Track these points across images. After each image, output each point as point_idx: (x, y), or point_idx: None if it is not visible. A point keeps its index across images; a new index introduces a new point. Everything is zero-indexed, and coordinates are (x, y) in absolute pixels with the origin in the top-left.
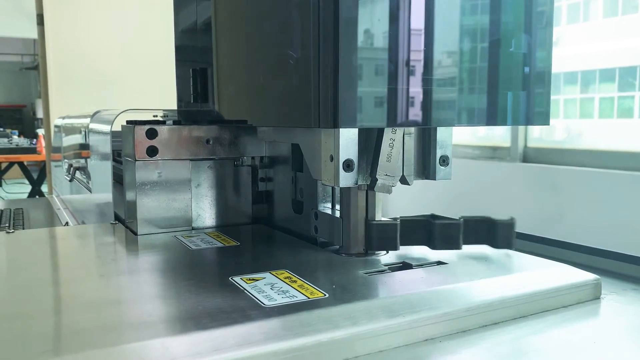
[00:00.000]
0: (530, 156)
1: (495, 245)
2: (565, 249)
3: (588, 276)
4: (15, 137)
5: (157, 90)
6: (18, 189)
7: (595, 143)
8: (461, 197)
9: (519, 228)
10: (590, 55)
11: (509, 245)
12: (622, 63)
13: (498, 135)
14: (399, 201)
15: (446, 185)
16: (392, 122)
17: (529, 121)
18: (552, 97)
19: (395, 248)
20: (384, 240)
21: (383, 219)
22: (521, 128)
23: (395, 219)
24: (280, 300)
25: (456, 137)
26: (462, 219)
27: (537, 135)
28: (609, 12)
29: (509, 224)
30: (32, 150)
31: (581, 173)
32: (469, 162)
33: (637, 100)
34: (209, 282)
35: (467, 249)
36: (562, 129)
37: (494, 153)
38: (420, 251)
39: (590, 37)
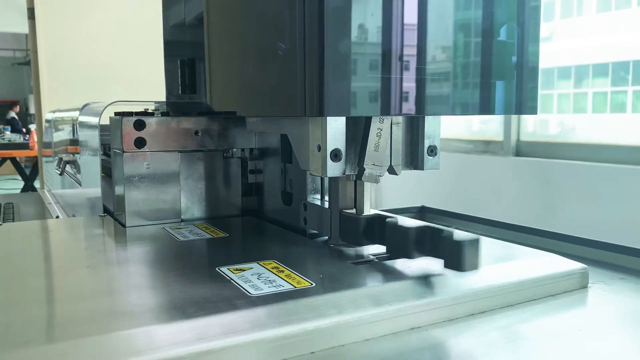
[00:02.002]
0: (523, 150)
1: (445, 262)
2: (556, 240)
3: (575, 265)
4: (8, 132)
5: (150, 83)
6: (11, 184)
7: (589, 137)
8: (454, 191)
9: (512, 220)
10: (583, 50)
11: (459, 267)
12: (615, 58)
13: (492, 129)
14: (392, 194)
15: (439, 178)
16: (379, 111)
17: (518, 110)
18: (546, 92)
19: (359, 244)
20: (347, 234)
21: (373, 211)
22: (514, 122)
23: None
24: (266, 289)
25: (450, 131)
26: (414, 228)
27: (530, 130)
28: (602, 6)
29: (465, 243)
30: (24, 146)
31: (573, 166)
32: (462, 156)
33: (630, 95)
34: (196, 272)
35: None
36: (555, 124)
37: (487, 147)
38: None
39: (583, 31)
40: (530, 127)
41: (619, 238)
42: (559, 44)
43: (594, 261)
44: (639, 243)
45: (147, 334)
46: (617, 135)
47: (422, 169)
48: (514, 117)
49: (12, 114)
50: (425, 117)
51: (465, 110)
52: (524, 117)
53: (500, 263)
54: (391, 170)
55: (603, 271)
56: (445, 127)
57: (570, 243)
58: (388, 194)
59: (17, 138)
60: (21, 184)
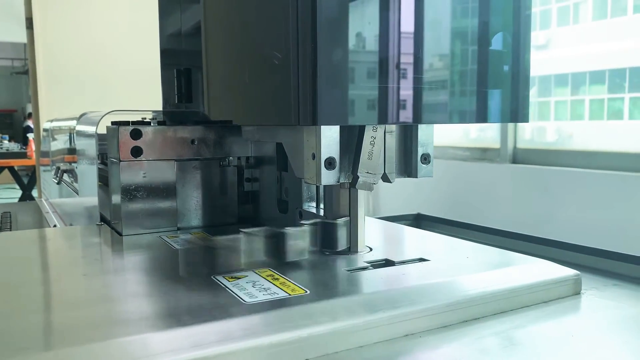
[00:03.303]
0: (519, 157)
1: None
2: (550, 246)
3: (568, 272)
4: (6, 141)
5: (148, 92)
6: (8, 194)
7: (586, 144)
8: (451, 198)
9: (509, 227)
10: (580, 58)
11: None
12: (612, 65)
13: (489, 137)
14: (389, 201)
15: (436, 186)
16: (372, 119)
17: (512, 118)
18: (543, 99)
19: None
20: None
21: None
22: (511, 130)
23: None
24: (261, 297)
25: (446, 138)
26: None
27: (528, 137)
28: (598, 14)
29: None
30: (22, 155)
31: (570, 173)
32: (459, 163)
33: (626, 102)
34: (192, 280)
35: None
36: (552, 131)
37: (483, 154)
38: (402, 249)
39: (580, 39)
40: (528, 134)
41: (615, 245)
42: (555, 51)
43: (588, 268)
44: (632, 250)
45: (143, 341)
46: (614, 142)
47: (416, 176)
48: (510, 125)
49: (28, 123)
50: (419, 125)
51: (460, 118)
52: (521, 124)
53: (494, 270)
54: (385, 178)
55: (596, 277)
56: (442, 135)
57: (564, 250)
58: (385, 201)
59: (15, 147)
60: (19, 193)
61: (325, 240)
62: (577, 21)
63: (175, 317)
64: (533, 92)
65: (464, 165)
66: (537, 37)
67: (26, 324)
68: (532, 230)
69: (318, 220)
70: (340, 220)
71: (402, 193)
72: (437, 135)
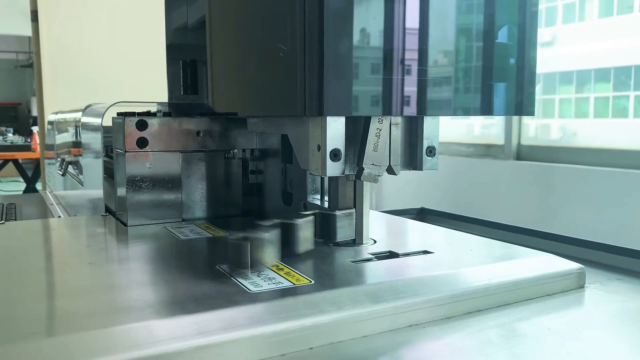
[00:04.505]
0: (523, 154)
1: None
2: (555, 241)
3: (572, 265)
4: (10, 134)
5: (153, 86)
6: (13, 186)
7: (590, 142)
8: (455, 194)
9: (512, 223)
10: (585, 55)
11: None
12: (617, 63)
13: (493, 134)
14: (393, 195)
15: (440, 181)
16: (378, 111)
17: (517, 111)
18: (548, 97)
19: None
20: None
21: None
22: (515, 126)
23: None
24: (266, 286)
25: (451, 134)
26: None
27: (532, 134)
28: (604, 12)
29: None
30: (26, 148)
31: (573, 170)
32: (463, 159)
33: (632, 100)
34: (196, 270)
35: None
36: (557, 128)
37: (487, 150)
38: (406, 242)
39: (585, 37)
40: (532, 131)
41: (618, 241)
42: (561, 49)
43: (592, 262)
44: (636, 244)
45: (148, 328)
46: (618, 140)
47: (421, 169)
48: (515, 121)
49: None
50: (424, 118)
51: (465, 111)
52: (526, 121)
53: (498, 262)
54: (390, 170)
55: (600, 272)
56: (446, 131)
57: (568, 244)
58: (389, 195)
59: (20, 140)
60: (23, 185)
61: (326, 232)
62: (582, 18)
63: (180, 305)
64: (537, 90)
65: (468, 161)
66: (542, 34)
67: (31, 310)
68: (535, 226)
69: (317, 210)
70: (339, 212)
71: (405, 188)
72: (441, 132)
